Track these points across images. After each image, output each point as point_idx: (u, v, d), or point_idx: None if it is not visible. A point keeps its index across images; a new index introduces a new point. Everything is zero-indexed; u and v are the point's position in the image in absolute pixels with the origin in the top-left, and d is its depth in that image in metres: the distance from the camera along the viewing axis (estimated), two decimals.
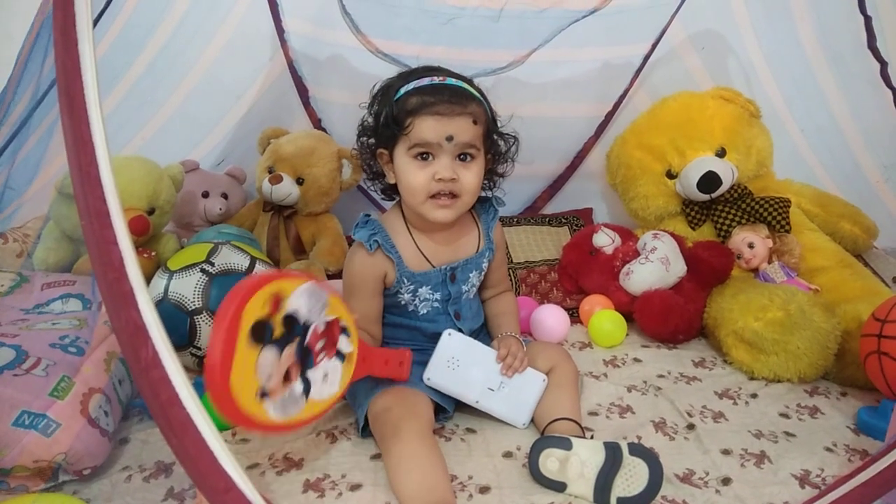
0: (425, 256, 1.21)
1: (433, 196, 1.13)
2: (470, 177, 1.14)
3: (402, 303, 1.23)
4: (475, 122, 1.12)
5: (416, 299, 1.23)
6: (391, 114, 1.11)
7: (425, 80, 1.11)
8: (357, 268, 1.20)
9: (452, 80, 1.13)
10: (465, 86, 1.14)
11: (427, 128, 1.09)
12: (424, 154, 1.12)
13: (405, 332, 1.26)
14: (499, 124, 1.21)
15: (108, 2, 1.53)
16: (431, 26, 1.81)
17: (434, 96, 1.09)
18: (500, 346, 1.21)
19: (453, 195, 1.14)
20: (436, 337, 1.21)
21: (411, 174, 1.13)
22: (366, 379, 1.15)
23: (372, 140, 1.20)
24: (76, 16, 0.74)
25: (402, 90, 1.11)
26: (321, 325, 0.91)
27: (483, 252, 1.28)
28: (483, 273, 1.31)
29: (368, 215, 1.22)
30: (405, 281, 1.20)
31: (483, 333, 1.36)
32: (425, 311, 1.25)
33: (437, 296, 1.24)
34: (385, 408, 1.08)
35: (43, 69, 1.24)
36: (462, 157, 1.13)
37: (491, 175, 1.25)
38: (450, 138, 1.10)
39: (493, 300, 1.37)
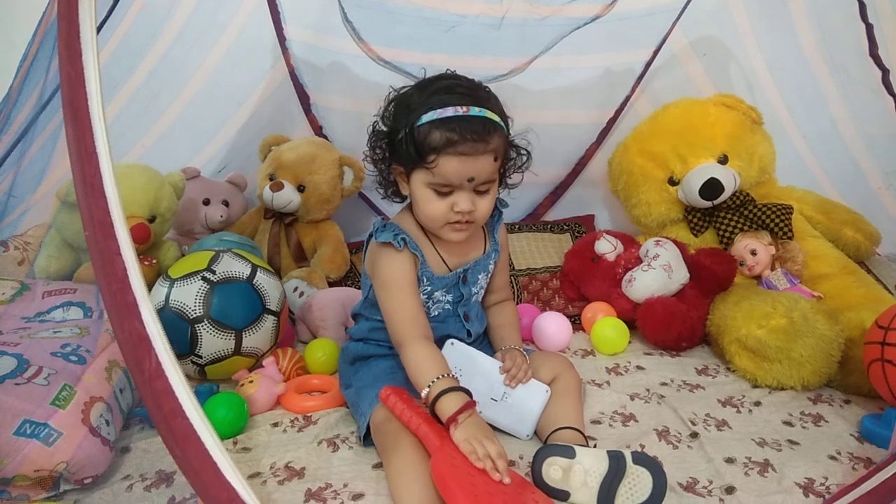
0: (443, 259, 1.22)
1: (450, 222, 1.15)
2: (485, 205, 1.15)
3: None
4: (495, 159, 1.12)
5: (430, 301, 1.23)
6: (412, 141, 1.09)
7: (449, 111, 1.07)
8: (391, 266, 1.17)
9: (476, 111, 1.08)
10: (488, 114, 1.09)
11: (451, 169, 1.08)
12: (445, 188, 1.12)
13: None
14: (510, 132, 1.19)
15: (111, 10, 1.53)
16: (433, 34, 1.81)
17: (459, 134, 1.06)
18: (505, 359, 1.21)
19: (469, 221, 1.15)
20: (442, 341, 1.21)
21: (430, 204, 1.13)
22: (368, 389, 1.15)
23: (386, 150, 1.18)
24: (80, 27, 0.74)
25: (425, 118, 1.08)
26: None
27: (489, 253, 1.29)
28: (489, 275, 1.31)
29: (384, 220, 1.22)
30: (424, 281, 1.20)
31: (485, 342, 1.36)
32: (437, 313, 1.25)
33: (449, 297, 1.25)
34: (387, 418, 1.08)
35: (47, 76, 1.24)
36: (479, 187, 1.14)
37: (502, 182, 1.24)
38: (471, 179, 1.11)
39: (494, 309, 1.37)
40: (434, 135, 1.07)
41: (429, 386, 1.06)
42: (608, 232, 1.85)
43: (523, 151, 1.21)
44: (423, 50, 1.82)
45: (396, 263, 1.17)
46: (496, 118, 1.11)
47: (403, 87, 1.18)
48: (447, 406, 1.02)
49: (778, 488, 1.06)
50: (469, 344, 1.25)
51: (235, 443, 1.17)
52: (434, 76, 1.16)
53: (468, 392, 1.05)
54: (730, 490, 1.05)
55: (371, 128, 1.20)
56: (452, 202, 1.12)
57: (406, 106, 1.13)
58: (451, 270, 1.22)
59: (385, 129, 1.17)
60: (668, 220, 1.91)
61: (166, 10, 1.78)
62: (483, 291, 1.32)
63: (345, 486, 1.04)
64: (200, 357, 1.32)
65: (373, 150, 1.20)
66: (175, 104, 1.92)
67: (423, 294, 1.21)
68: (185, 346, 1.30)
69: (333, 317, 1.58)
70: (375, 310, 1.24)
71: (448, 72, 1.18)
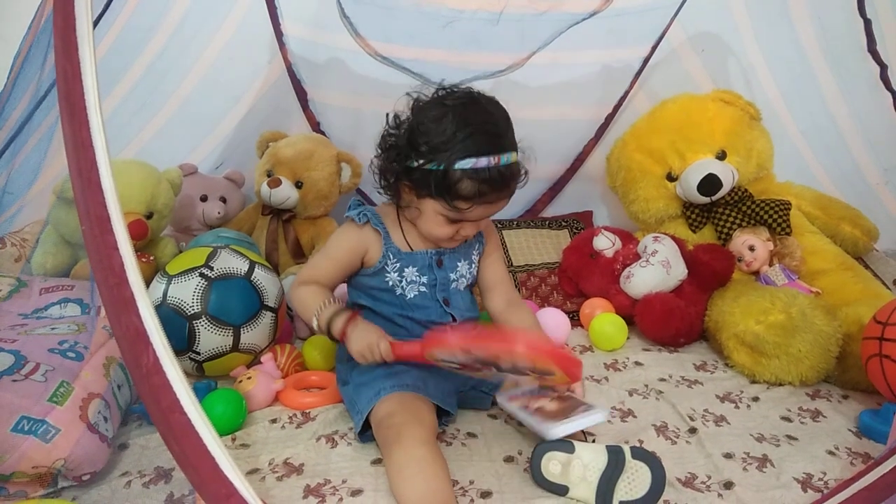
0: (409, 243, 1.24)
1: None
2: (485, 222, 1.23)
3: (390, 284, 1.23)
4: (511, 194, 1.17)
5: (403, 280, 1.23)
6: (442, 182, 1.09)
7: (483, 162, 1.07)
8: (339, 236, 1.25)
9: (505, 158, 1.09)
10: (514, 157, 1.12)
11: (476, 215, 1.14)
12: (459, 220, 1.16)
13: (397, 324, 1.24)
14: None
15: (107, 4, 1.53)
16: (430, 29, 1.80)
17: (490, 185, 1.09)
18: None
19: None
20: (428, 324, 1.22)
21: (438, 228, 1.17)
22: (368, 384, 1.15)
23: (400, 167, 1.15)
24: (76, 20, 0.73)
25: (458, 165, 1.07)
26: None
27: (472, 243, 1.29)
28: (475, 266, 1.31)
29: (360, 202, 1.25)
30: (391, 256, 1.21)
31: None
32: (413, 296, 1.24)
33: (424, 280, 1.24)
34: (388, 413, 1.08)
35: (43, 71, 1.23)
36: None
37: None
38: (487, 216, 1.18)
39: (510, 314, 1.30)
40: (465, 184, 1.09)
41: (315, 316, 1.16)
42: (606, 228, 1.85)
43: (524, 171, 1.19)
44: (421, 45, 1.82)
45: (342, 238, 1.25)
46: (517, 156, 1.14)
47: (421, 96, 1.15)
48: (337, 326, 1.14)
49: (776, 483, 1.06)
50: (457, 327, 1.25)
51: (234, 439, 1.17)
52: (461, 103, 1.13)
53: (351, 308, 1.19)
54: (728, 485, 1.05)
55: (386, 137, 1.18)
56: (460, 227, 1.17)
57: (433, 139, 1.10)
58: (413, 250, 1.24)
59: (402, 141, 1.14)
60: (666, 216, 1.91)
61: (163, 4, 1.77)
62: (465, 281, 1.29)
63: (343, 482, 1.04)
64: (198, 353, 1.31)
65: (386, 161, 1.18)
66: (172, 100, 1.92)
67: (394, 271, 1.22)
68: (183, 342, 1.30)
69: None
70: (362, 293, 1.26)
71: (470, 91, 1.16)
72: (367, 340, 1.10)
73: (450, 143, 1.08)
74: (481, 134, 1.09)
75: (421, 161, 1.11)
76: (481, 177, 1.08)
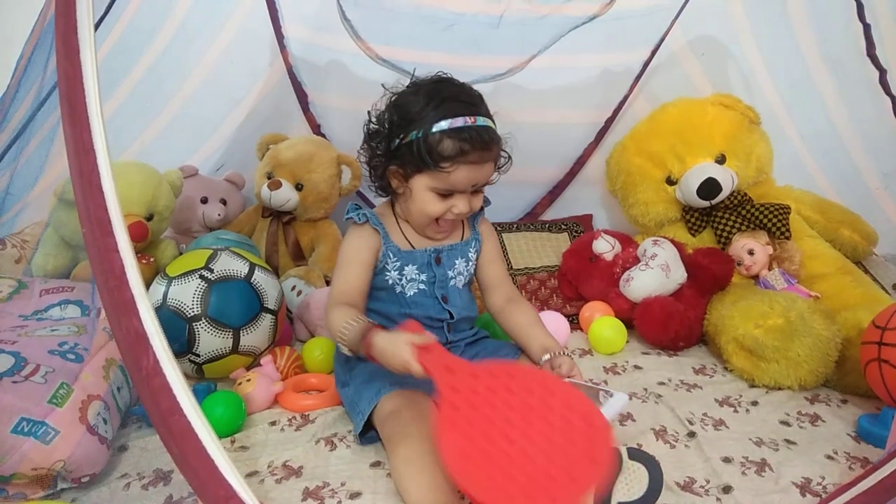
0: (409, 241, 1.25)
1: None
2: (476, 202, 1.22)
3: (390, 283, 1.24)
4: (494, 163, 1.20)
5: (403, 279, 1.25)
6: (423, 148, 1.12)
7: (459, 122, 1.11)
8: (350, 241, 1.24)
9: (481, 121, 1.14)
10: (490, 123, 1.16)
11: (461, 177, 1.14)
12: (448, 192, 1.17)
13: (395, 321, 1.24)
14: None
15: (109, 6, 1.53)
16: (431, 32, 1.81)
17: (470, 143, 1.12)
18: (558, 369, 1.16)
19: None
20: (428, 320, 1.23)
21: (430, 205, 1.18)
22: (368, 384, 1.16)
23: (384, 152, 1.19)
24: (78, 24, 0.74)
25: (437, 127, 1.11)
26: None
27: (469, 241, 1.31)
28: (472, 264, 1.32)
29: (357, 206, 1.26)
30: (391, 255, 1.23)
31: (484, 337, 1.37)
32: (412, 293, 1.26)
33: (424, 277, 1.26)
34: (393, 410, 1.08)
35: (45, 74, 1.24)
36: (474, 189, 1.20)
37: None
38: (475, 184, 1.18)
39: (511, 310, 1.31)
40: (446, 143, 1.12)
41: (341, 342, 1.11)
42: (606, 231, 1.85)
43: (505, 154, 1.24)
44: (421, 48, 1.82)
45: (353, 241, 1.23)
46: (494, 125, 1.17)
47: (397, 88, 1.20)
48: (362, 351, 1.07)
49: (775, 488, 1.06)
50: (455, 323, 1.27)
51: (233, 441, 1.17)
52: (433, 80, 1.19)
53: (373, 322, 1.11)
54: (727, 489, 1.05)
55: (366, 128, 1.23)
56: (451, 204, 1.18)
57: (409, 111, 1.15)
58: (413, 248, 1.25)
59: (383, 129, 1.19)
60: (665, 220, 1.91)
61: (164, 6, 1.78)
62: (463, 279, 1.31)
63: (342, 484, 1.04)
64: (198, 355, 1.32)
65: (370, 150, 1.22)
66: (173, 102, 1.92)
67: (395, 270, 1.24)
68: (183, 344, 1.30)
69: None
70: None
71: (441, 74, 1.21)
72: (397, 360, 1.00)
73: (425, 110, 1.13)
74: (454, 101, 1.14)
75: (402, 136, 1.14)
76: (461, 136, 1.11)
